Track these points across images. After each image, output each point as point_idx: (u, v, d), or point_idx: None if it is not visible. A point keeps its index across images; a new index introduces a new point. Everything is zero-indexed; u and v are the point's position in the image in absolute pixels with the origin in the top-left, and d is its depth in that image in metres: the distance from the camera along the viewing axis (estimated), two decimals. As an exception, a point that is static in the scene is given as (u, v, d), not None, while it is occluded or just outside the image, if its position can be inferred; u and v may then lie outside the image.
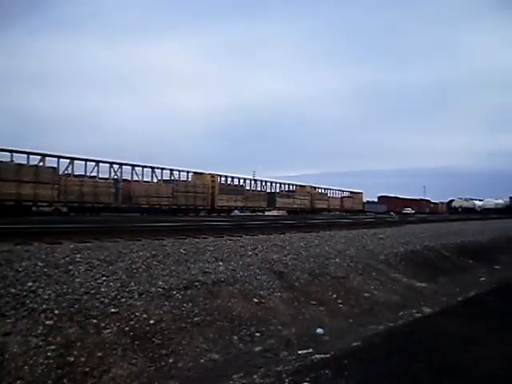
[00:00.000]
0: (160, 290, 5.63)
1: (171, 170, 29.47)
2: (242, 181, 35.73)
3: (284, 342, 5.19)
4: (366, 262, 9.47)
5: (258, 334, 5.28)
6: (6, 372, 3.49)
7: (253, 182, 37.72)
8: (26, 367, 3.59)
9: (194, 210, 29.50)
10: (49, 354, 3.81)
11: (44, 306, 4.61)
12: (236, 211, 36.03)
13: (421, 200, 67.05)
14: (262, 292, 6.39)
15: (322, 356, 4.23)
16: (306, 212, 40.25)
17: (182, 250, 8.10)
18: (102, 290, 5.34)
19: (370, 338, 5.00)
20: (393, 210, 52.59)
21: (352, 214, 45.66)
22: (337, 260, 9.02)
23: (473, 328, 5.06)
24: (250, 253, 8.53)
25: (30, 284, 5.15)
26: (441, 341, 4.61)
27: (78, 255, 6.77)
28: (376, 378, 3.53)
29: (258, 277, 6.88)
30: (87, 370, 3.68)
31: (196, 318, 5.10)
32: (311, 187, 43.53)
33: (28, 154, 21.89)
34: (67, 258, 6.49)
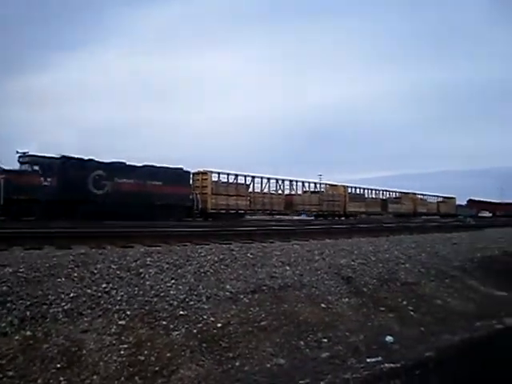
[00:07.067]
0: (227, 293, 5.68)
1: (315, 184, 38.84)
2: (362, 190, 42.28)
3: (352, 349, 5.02)
4: (439, 268, 9.01)
5: (325, 340, 5.16)
6: (83, 366, 3.69)
7: (370, 191, 43.67)
8: (101, 363, 3.77)
9: (332, 214, 37.06)
10: (122, 352, 3.97)
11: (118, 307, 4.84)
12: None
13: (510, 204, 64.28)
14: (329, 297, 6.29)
15: (392, 365, 4.05)
16: (410, 216, 44.76)
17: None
18: (172, 292, 5.48)
19: (444, 348, 4.72)
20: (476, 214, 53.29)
21: (445, 217, 48.32)
22: (407, 265, 8.67)
23: None
24: (317, 257, 8.35)
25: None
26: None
27: (149, 258, 6.95)
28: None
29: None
30: (157, 369, 3.79)
31: (263, 323, 5.09)
32: (413, 194, 49.75)
33: (227, 174, 28.74)
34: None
